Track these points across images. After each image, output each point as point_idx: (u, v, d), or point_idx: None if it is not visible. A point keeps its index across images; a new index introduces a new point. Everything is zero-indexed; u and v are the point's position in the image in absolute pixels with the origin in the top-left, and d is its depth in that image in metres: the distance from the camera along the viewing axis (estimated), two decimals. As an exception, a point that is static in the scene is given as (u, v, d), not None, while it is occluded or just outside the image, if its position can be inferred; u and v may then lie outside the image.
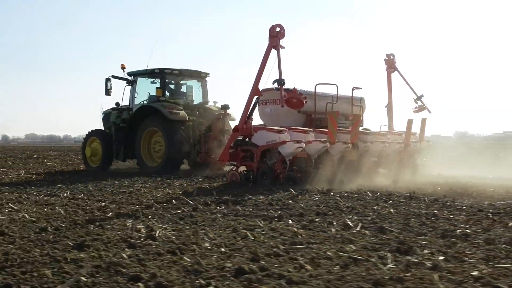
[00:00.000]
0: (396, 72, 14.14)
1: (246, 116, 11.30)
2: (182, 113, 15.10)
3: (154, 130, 15.45)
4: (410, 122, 12.65)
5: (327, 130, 11.69)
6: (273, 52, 11.16)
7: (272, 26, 11.31)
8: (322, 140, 11.22)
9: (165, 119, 14.89)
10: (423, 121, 13.05)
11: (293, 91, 11.37)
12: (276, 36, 11.22)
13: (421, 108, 13.74)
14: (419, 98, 13.77)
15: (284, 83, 11.04)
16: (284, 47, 11.31)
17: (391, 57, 13.97)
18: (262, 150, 11.09)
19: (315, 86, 12.45)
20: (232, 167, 11.81)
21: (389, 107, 14.10)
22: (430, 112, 13.72)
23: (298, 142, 10.78)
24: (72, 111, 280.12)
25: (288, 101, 11.17)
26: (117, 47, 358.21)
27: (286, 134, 10.94)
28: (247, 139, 11.59)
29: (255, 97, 11.29)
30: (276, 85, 11.06)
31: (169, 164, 14.95)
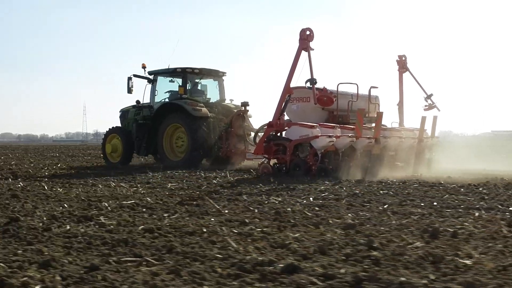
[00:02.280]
0: (406, 71, 15.17)
1: (280, 113, 12.29)
2: (204, 110, 15.98)
3: (176, 126, 16.28)
4: (423, 119, 13.81)
5: (349, 126, 12.79)
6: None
7: (303, 29, 12.33)
8: (349, 134, 12.26)
9: (188, 115, 15.71)
10: (435, 118, 14.23)
11: (323, 89, 12.39)
12: (306, 39, 12.23)
13: (430, 107, 14.81)
14: (428, 96, 14.84)
15: (316, 82, 12.05)
16: (313, 49, 12.33)
17: (403, 58, 15.03)
18: (295, 144, 12.07)
19: (337, 85, 13.44)
20: (263, 160, 12.78)
21: (400, 105, 15.17)
22: (439, 110, 14.82)
23: (329, 136, 11.80)
24: (47, 111, 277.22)
25: (319, 99, 12.20)
26: (96, 47, 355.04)
27: (317, 129, 11.95)
28: (278, 134, 12.58)
29: (287, 95, 12.31)
30: (308, 84, 12.07)
31: (192, 158, 15.78)
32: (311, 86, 12.10)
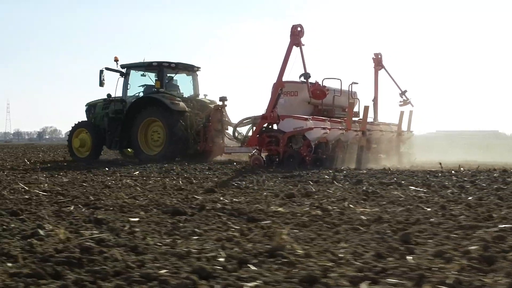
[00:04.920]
0: (381, 69, 15.80)
1: (272, 106, 12.56)
2: (182, 104, 15.99)
3: (152, 120, 16.14)
4: (402, 114, 14.50)
5: (336, 119, 13.28)
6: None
7: (294, 25, 12.67)
8: (339, 127, 12.72)
9: (166, 109, 15.63)
10: (411, 113, 14.99)
11: (316, 84, 12.78)
12: (298, 34, 12.58)
13: (405, 102, 15.51)
14: (403, 93, 15.56)
15: (309, 77, 12.42)
16: (304, 45, 12.69)
17: (379, 56, 15.67)
18: (289, 135, 12.38)
19: (322, 80, 13.84)
20: (254, 151, 13.02)
21: (375, 101, 15.81)
22: (413, 105, 15.56)
23: (323, 128, 12.20)
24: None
25: (313, 92, 12.57)
26: (23, 41, 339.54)
27: (311, 121, 12.32)
28: (270, 126, 12.85)
29: (279, 89, 12.61)
30: (302, 78, 12.42)
31: (169, 152, 15.72)
32: (305, 80, 12.45)
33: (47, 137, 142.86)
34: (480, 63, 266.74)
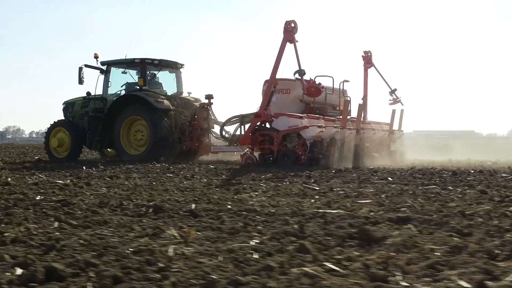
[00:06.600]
0: (371, 67, 15.58)
1: (266, 104, 12.20)
2: (166, 102, 15.47)
3: (135, 118, 15.57)
4: (394, 112, 14.32)
5: (329, 118, 13.01)
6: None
7: (287, 21, 12.34)
8: (334, 125, 12.43)
9: (150, 107, 15.09)
10: (402, 112, 14.79)
11: (311, 81, 12.46)
12: (291, 31, 12.24)
13: (395, 101, 15.32)
14: (393, 91, 15.36)
15: (304, 73, 12.09)
16: (298, 41, 12.37)
17: (369, 54, 15.44)
18: (283, 134, 12.03)
19: (315, 77, 13.53)
20: (246, 150, 12.65)
21: (365, 99, 15.58)
22: (402, 104, 15.38)
23: (319, 126, 11.89)
24: None
25: (308, 89, 12.25)
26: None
27: (306, 119, 12.00)
28: (263, 125, 12.48)
29: (272, 86, 12.26)
30: (297, 75, 12.09)
31: (154, 152, 15.17)
32: (300, 77, 12.13)
33: (9, 137, 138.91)
34: (459, 65, 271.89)
